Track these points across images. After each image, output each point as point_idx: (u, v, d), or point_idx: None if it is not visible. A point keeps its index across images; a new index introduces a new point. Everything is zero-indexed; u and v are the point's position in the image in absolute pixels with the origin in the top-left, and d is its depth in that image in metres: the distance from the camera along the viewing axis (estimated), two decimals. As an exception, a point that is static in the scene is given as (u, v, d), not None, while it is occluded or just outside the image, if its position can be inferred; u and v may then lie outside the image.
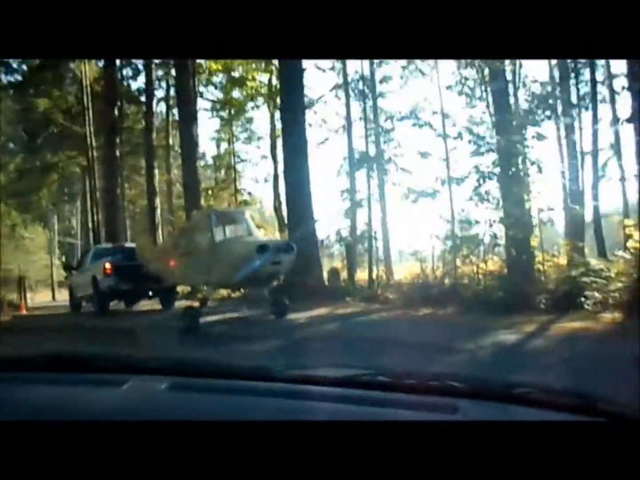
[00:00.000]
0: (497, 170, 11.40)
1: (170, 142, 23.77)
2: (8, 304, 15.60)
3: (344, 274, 14.79)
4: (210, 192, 22.84)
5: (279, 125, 20.88)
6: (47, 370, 1.25)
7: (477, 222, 11.79)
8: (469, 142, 11.85)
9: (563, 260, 10.91)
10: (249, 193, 26.77)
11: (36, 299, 20.56)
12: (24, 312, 14.83)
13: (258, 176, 29.83)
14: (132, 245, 12.67)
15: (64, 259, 32.02)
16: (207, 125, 79.01)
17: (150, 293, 11.48)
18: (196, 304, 8.82)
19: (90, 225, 22.78)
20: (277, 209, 23.14)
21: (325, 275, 13.94)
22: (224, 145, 28.96)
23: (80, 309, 12.88)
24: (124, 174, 21.80)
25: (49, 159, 24.63)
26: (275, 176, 23.48)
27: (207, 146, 47.11)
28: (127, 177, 23.74)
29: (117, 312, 11.74)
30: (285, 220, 18.01)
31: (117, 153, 19.76)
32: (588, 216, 14.37)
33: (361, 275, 15.28)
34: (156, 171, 20.29)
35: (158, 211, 20.55)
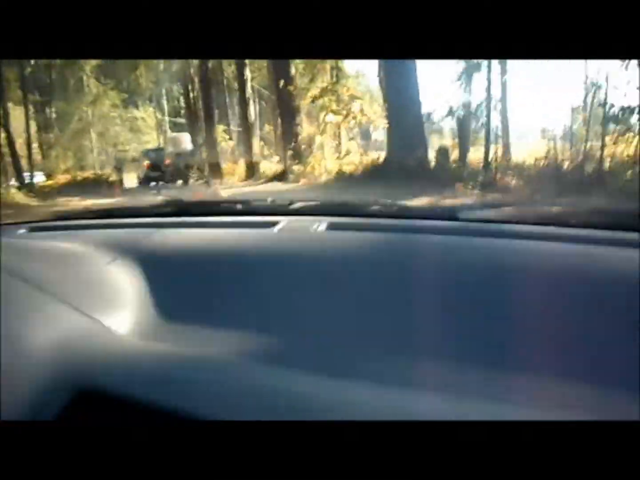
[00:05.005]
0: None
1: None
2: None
3: (454, 154, 12.73)
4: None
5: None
6: (190, 215, 1.21)
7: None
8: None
9: None
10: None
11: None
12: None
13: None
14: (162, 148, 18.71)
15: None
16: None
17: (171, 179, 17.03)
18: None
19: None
20: (381, 79, 21.01)
21: (431, 155, 12.10)
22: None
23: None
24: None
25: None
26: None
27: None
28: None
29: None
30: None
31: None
32: None
33: (475, 155, 13.14)
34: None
35: (249, 85, 19.31)
